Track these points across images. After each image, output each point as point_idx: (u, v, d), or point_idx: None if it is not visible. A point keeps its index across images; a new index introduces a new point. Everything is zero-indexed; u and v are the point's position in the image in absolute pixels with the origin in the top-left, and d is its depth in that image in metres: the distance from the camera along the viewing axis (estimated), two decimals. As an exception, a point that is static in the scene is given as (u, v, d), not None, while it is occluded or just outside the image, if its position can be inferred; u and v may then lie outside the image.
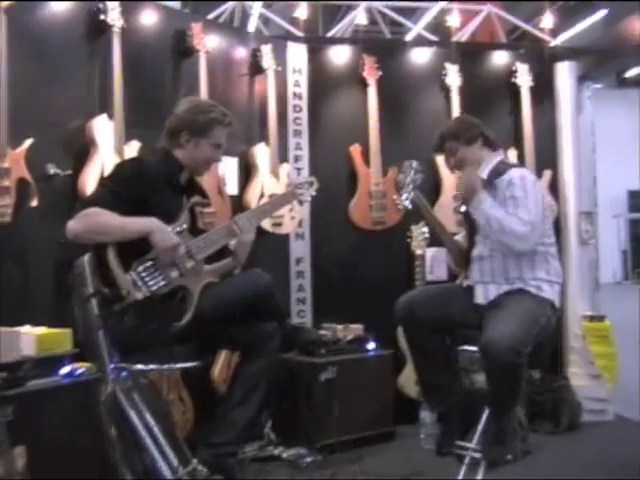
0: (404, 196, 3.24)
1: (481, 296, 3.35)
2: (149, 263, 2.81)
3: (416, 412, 4.39)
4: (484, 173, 3.38)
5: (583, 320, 5.06)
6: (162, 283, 2.82)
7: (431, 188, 4.95)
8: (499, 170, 3.35)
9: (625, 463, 4.08)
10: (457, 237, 3.68)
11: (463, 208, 3.51)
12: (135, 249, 2.79)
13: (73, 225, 2.76)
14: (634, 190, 21.75)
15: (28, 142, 3.53)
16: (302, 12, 5.59)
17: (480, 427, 3.27)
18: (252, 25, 5.32)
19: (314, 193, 3.46)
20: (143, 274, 2.79)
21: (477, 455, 3.24)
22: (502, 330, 3.00)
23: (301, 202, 3.49)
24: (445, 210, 4.79)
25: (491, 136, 3.46)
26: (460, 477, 3.26)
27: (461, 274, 3.59)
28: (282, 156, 4.75)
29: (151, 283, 2.80)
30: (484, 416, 3.26)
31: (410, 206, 3.31)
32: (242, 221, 3.09)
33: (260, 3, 5.44)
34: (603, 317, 5.10)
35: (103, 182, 3.12)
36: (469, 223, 3.47)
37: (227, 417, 2.97)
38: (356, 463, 4.05)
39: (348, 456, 4.15)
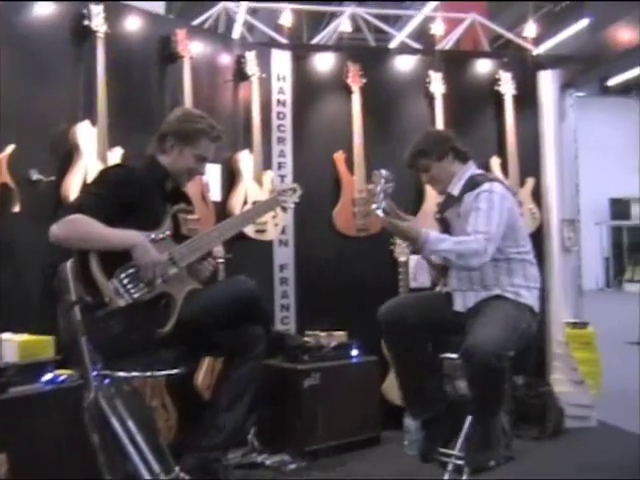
0: (375, 205, 3.24)
1: (460, 304, 3.37)
2: (131, 270, 2.80)
3: (401, 418, 4.37)
4: (455, 190, 3.39)
5: (566, 327, 5.09)
6: (145, 290, 2.81)
7: (414, 195, 4.98)
8: (471, 185, 3.34)
9: (608, 468, 4.10)
10: None
11: (438, 215, 3.53)
12: (118, 255, 2.77)
13: (56, 230, 2.74)
14: (616, 198, 21.96)
15: (10, 147, 3.51)
16: (286, 19, 5.59)
17: (463, 434, 3.28)
18: (237, 32, 5.33)
19: (297, 200, 3.46)
20: (125, 281, 2.78)
21: (460, 462, 3.25)
22: (483, 335, 3.01)
23: (284, 209, 3.48)
24: (428, 217, 4.79)
25: (461, 148, 3.45)
26: (444, 484, 3.26)
27: (440, 282, 3.60)
28: (266, 163, 4.75)
29: (133, 290, 2.79)
30: (467, 423, 3.27)
31: (382, 215, 3.32)
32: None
33: (244, 9, 5.45)
34: (586, 324, 5.13)
35: (88, 188, 3.11)
36: (445, 230, 3.48)
37: (213, 422, 2.97)
38: (341, 468, 4.06)
39: (333, 462, 4.16)
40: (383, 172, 3.24)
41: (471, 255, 3.14)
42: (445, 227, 3.47)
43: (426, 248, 3.17)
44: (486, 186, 3.28)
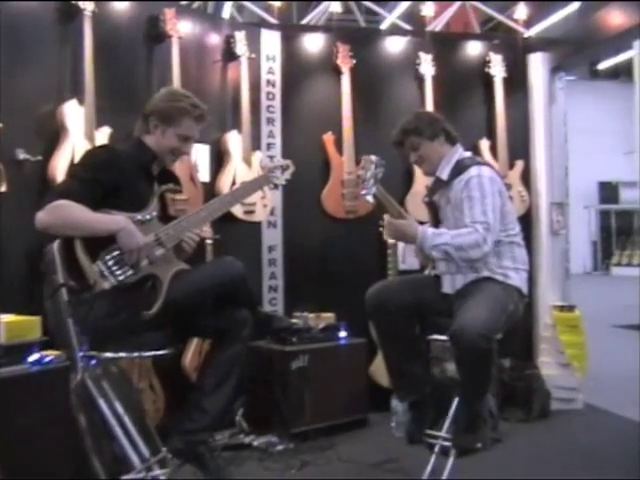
0: (364, 191, 3.23)
1: (448, 286, 3.38)
2: (116, 252, 2.78)
3: (388, 400, 4.40)
4: (444, 174, 3.38)
5: (553, 310, 5.11)
6: (130, 272, 2.80)
7: (403, 178, 4.98)
8: (459, 169, 3.34)
9: (594, 451, 4.14)
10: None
11: (427, 199, 3.52)
12: (103, 237, 2.76)
13: (42, 217, 2.72)
14: (605, 181, 22.02)
15: (-3, 127, 3.49)
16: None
17: (450, 415, 3.29)
18: (226, 12, 5.30)
19: (289, 177, 3.43)
20: (110, 263, 2.76)
21: (447, 443, 3.26)
22: (471, 317, 3.01)
23: (276, 186, 3.44)
24: (417, 199, 4.77)
25: (452, 131, 3.45)
26: (430, 465, 3.28)
27: (429, 264, 3.60)
28: (255, 144, 4.73)
29: (118, 273, 2.77)
30: (454, 404, 3.28)
31: (372, 200, 3.31)
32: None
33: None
34: (573, 307, 5.14)
35: (73, 171, 3.07)
36: (434, 214, 3.48)
37: (199, 404, 2.97)
38: (329, 449, 4.07)
39: (320, 443, 4.17)
40: (373, 158, 3.23)
41: (471, 247, 3.14)
42: (434, 211, 3.46)
43: (425, 245, 3.18)
44: (474, 171, 3.28)
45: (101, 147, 3.38)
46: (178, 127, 3.00)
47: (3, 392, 2.97)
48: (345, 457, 4.02)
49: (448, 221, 3.38)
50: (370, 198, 3.25)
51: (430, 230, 3.22)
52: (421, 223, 3.31)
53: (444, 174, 3.38)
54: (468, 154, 3.49)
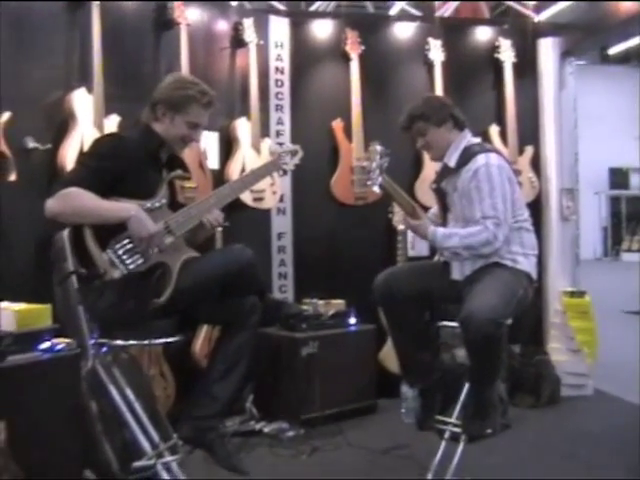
0: (371, 182, 3.23)
1: (457, 272, 3.36)
2: (126, 241, 2.78)
3: (398, 386, 4.39)
4: (452, 161, 3.36)
5: (564, 296, 5.09)
6: (140, 261, 2.80)
7: (412, 163, 4.97)
8: (466, 156, 3.31)
9: (604, 437, 4.13)
10: (431, 211, 3.67)
11: (434, 185, 3.51)
12: (113, 226, 2.76)
13: (52, 204, 2.72)
14: (615, 167, 21.87)
15: (6, 115, 3.48)
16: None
17: (460, 402, 3.29)
18: (234, -2, 5.27)
19: (298, 162, 3.41)
20: (120, 252, 2.76)
21: (457, 430, 3.27)
22: (481, 302, 3.00)
23: (285, 171, 3.41)
24: (426, 185, 4.74)
25: (460, 117, 3.41)
26: (440, 451, 3.28)
27: (438, 250, 3.60)
28: (264, 131, 4.72)
29: (129, 262, 2.78)
30: (464, 390, 3.29)
31: (379, 191, 3.32)
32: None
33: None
34: (583, 293, 5.13)
35: (82, 159, 3.08)
36: (441, 200, 3.47)
37: (209, 391, 2.97)
38: (339, 435, 4.08)
39: (330, 429, 4.18)
40: (378, 148, 3.23)
41: (482, 245, 3.19)
42: (441, 197, 3.45)
43: (435, 245, 3.29)
44: (481, 159, 3.25)
45: (110, 135, 3.38)
46: (187, 114, 2.98)
47: (14, 380, 2.98)
48: (355, 443, 4.03)
49: (455, 207, 3.37)
50: (376, 188, 3.26)
51: (440, 232, 3.27)
52: (428, 210, 3.32)
53: (452, 161, 3.36)
54: (477, 140, 3.47)
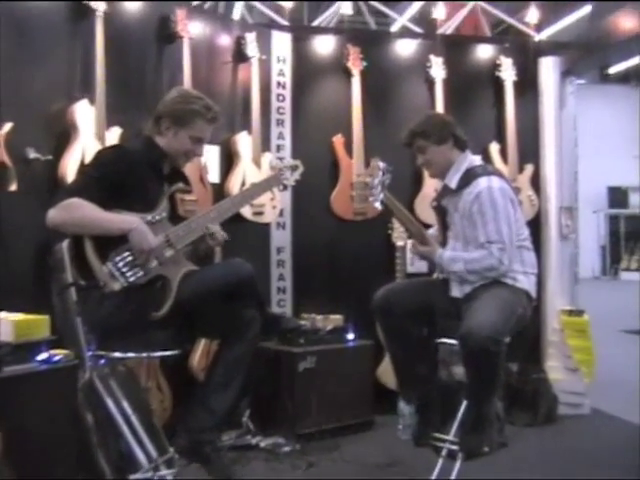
0: (372, 198, 3.25)
1: (457, 290, 3.37)
2: (127, 253, 2.79)
3: (395, 402, 4.38)
4: (453, 182, 3.37)
5: (562, 314, 5.09)
6: (140, 274, 2.81)
7: (412, 180, 4.97)
8: (468, 178, 3.32)
9: (601, 456, 4.12)
10: (431, 230, 3.67)
11: (435, 203, 3.51)
12: (113, 238, 2.77)
13: (54, 215, 2.73)
14: (614, 186, 21.90)
15: (8, 126, 3.48)
16: (287, 1, 5.55)
17: (458, 419, 3.29)
18: (237, 13, 5.29)
19: (298, 177, 3.42)
20: (120, 264, 2.77)
21: (454, 447, 3.26)
22: (480, 319, 3.01)
23: (285, 186, 3.43)
24: (426, 202, 4.76)
25: (461, 136, 3.42)
26: (437, 468, 3.27)
27: (437, 268, 3.60)
28: (264, 145, 4.73)
29: (129, 274, 2.78)
30: (462, 408, 3.28)
31: (380, 207, 3.33)
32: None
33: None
34: (582, 312, 5.12)
35: (85, 170, 3.09)
36: (441, 218, 3.47)
37: (206, 403, 2.96)
38: (335, 451, 4.07)
39: (326, 445, 4.17)
40: (380, 164, 3.24)
41: (487, 270, 3.23)
42: (442, 215, 3.46)
43: (442, 268, 3.34)
44: (484, 182, 3.26)
45: (112, 147, 3.40)
46: (191, 129, 2.99)
47: (12, 390, 2.98)
48: (351, 459, 4.02)
49: (455, 226, 3.38)
50: (378, 205, 3.27)
51: (446, 255, 3.31)
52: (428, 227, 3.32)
53: (453, 183, 3.36)
54: (478, 160, 3.48)
